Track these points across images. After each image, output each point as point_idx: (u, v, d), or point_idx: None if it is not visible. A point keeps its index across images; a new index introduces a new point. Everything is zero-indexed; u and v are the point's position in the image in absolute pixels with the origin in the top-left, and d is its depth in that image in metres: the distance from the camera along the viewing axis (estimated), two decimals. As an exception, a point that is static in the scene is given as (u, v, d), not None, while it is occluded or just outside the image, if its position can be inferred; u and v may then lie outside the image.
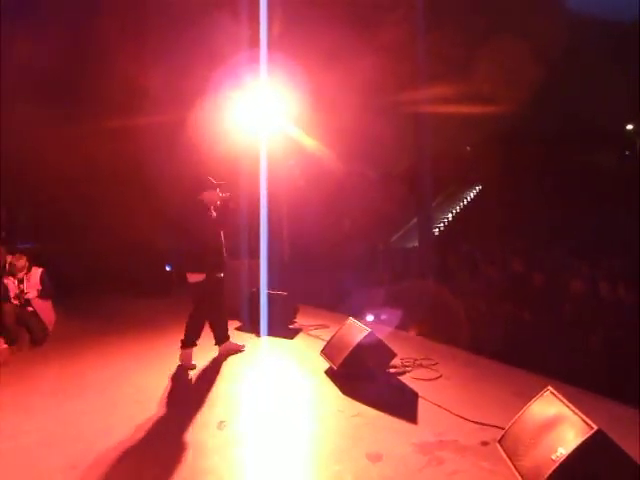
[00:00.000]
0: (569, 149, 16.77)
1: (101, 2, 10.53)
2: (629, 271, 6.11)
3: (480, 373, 4.69)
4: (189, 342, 4.98)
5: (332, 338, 4.98)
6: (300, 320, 6.70)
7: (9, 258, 6.22)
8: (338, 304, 7.27)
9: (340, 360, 4.54)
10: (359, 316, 5.56)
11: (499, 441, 3.03)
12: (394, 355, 4.55)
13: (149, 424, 3.72)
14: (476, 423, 3.50)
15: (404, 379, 4.47)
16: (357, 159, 12.64)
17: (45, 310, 6.16)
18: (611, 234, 10.96)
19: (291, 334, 6.20)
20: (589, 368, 4.48)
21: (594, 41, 15.66)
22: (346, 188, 12.46)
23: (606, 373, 4.42)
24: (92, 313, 7.79)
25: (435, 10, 10.35)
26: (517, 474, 2.73)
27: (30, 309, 6.05)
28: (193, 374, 4.79)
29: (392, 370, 4.60)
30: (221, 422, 3.68)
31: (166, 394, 4.33)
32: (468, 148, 19.76)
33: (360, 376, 4.42)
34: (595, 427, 2.49)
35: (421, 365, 4.76)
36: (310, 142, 9.74)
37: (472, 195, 20.90)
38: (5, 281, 6.04)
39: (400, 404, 3.94)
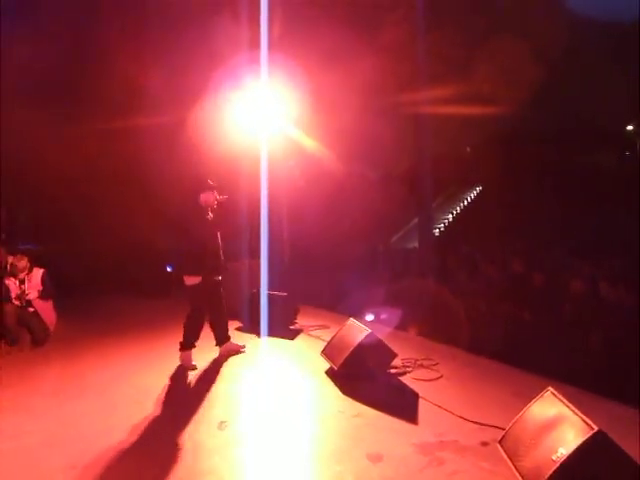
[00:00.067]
0: (569, 149, 16.77)
1: (101, 2, 10.54)
2: (629, 271, 6.12)
3: (480, 373, 4.70)
4: (188, 344, 4.98)
5: (333, 338, 4.99)
6: (300, 320, 6.70)
7: (10, 259, 6.22)
8: (338, 304, 7.27)
9: (341, 360, 4.55)
10: (359, 316, 5.56)
11: (499, 441, 3.04)
12: (395, 355, 4.56)
13: (149, 424, 3.73)
14: (476, 423, 3.51)
15: (404, 379, 4.48)
16: (357, 160, 12.65)
17: (46, 311, 6.16)
18: (611, 234, 10.97)
19: (291, 335, 6.21)
20: (589, 368, 4.48)
21: (594, 41, 15.66)
22: (346, 189, 12.46)
23: (606, 373, 4.43)
24: (92, 314, 7.80)
25: (435, 10, 10.35)
26: (517, 474, 2.74)
27: (31, 310, 6.05)
28: (193, 374, 4.79)
29: (393, 370, 4.60)
30: (222, 422, 3.68)
31: (166, 395, 4.34)
32: (468, 149, 19.76)
33: (361, 376, 4.42)
34: (595, 427, 2.50)
35: (421, 365, 4.76)
36: (310, 143, 9.74)
37: (472, 196, 20.90)
38: (6, 282, 6.05)
39: (401, 404, 3.95)
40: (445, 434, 3.39)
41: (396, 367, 4.65)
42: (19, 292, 6.05)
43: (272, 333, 6.22)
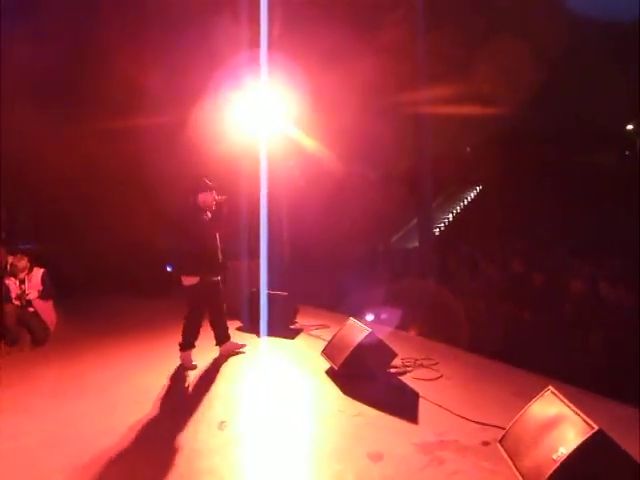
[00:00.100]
0: (569, 149, 16.77)
1: (101, 2, 10.54)
2: (629, 271, 6.12)
3: (480, 373, 4.69)
4: (187, 344, 4.98)
5: (333, 338, 4.98)
6: (300, 320, 6.70)
7: (10, 259, 6.22)
8: (338, 304, 7.27)
9: (341, 360, 4.54)
10: (359, 316, 5.56)
11: (500, 441, 3.04)
12: (395, 355, 4.56)
13: (149, 424, 3.73)
14: (477, 423, 3.51)
15: (405, 379, 4.47)
16: (357, 160, 12.65)
17: (46, 311, 6.17)
18: (611, 234, 10.98)
19: (292, 334, 6.20)
20: (589, 368, 4.48)
21: (594, 41, 15.67)
22: (346, 189, 12.46)
23: (606, 373, 4.43)
24: (92, 314, 7.80)
25: (435, 10, 10.36)
26: (518, 474, 2.74)
27: (31, 310, 6.05)
28: (193, 374, 4.79)
29: (393, 370, 4.60)
30: (222, 422, 3.68)
31: (166, 394, 4.34)
32: (468, 149, 19.77)
33: (361, 376, 4.42)
34: (596, 427, 2.49)
35: (422, 365, 4.76)
36: (310, 143, 9.74)
37: (472, 196, 20.91)
38: (6, 282, 6.05)
39: (401, 404, 3.95)
40: (445, 434, 3.39)
41: (396, 367, 4.65)
42: (19, 292, 6.05)
43: (272, 333, 6.21)
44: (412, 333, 6.20)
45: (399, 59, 9.96)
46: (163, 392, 4.37)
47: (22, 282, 6.11)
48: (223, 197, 5.02)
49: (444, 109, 10.51)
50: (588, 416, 2.60)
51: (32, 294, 6.11)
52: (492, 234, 11.90)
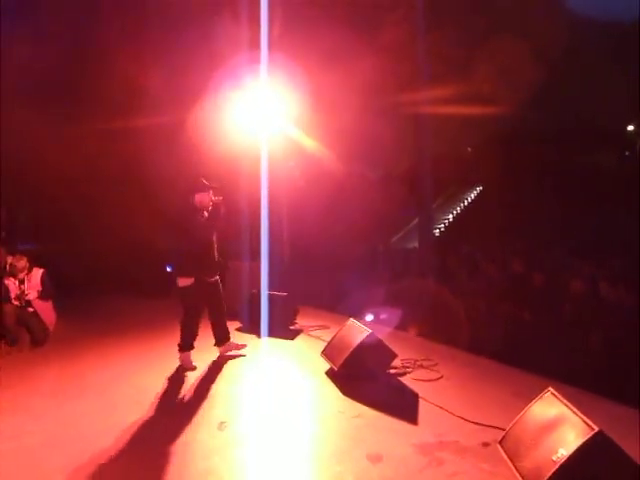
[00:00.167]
0: (569, 149, 16.78)
1: (101, 2, 10.54)
2: (629, 271, 6.12)
3: (480, 373, 4.69)
4: (186, 346, 4.96)
5: (333, 339, 4.98)
6: (300, 321, 6.70)
7: (10, 259, 6.21)
8: (338, 305, 7.27)
9: (341, 361, 4.54)
10: (359, 317, 5.56)
11: (500, 442, 3.04)
12: (395, 356, 4.56)
13: (149, 425, 3.73)
14: (476, 424, 3.51)
15: (404, 380, 4.48)
16: (357, 160, 12.66)
17: (46, 311, 6.16)
18: (611, 234, 10.98)
19: (291, 335, 6.20)
20: (589, 368, 4.49)
21: (594, 41, 15.68)
22: (346, 189, 12.46)
23: (606, 373, 4.43)
24: (92, 314, 7.79)
25: (435, 10, 10.36)
26: (518, 475, 2.73)
27: (31, 310, 6.04)
28: (193, 375, 4.79)
29: (392, 371, 4.60)
30: (222, 423, 3.68)
31: (166, 395, 4.34)
32: (469, 149, 19.78)
33: (361, 377, 4.42)
34: (596, 428, 2.49)
35: (421, 366, 4.76)
36: (310, 143, 9.73)
37: (473, 196, 20.92)
38: (6, 282, 6.04)
39: (400, 405, 3.95)
40: (445, 435, 3.39)
41: (396, 367, 4.65)
42: (18, 292, 6.04)
43: (272, 333, 6.21)
44: (412, 333, 6.20)
45: (399, 59, 9.96)
46: (163, 392, 4.37)
47: (21, 282, 6.10)
48: (219, 198, 5.00)
49: (444, 109, 10.50)
50: (588, 416, 2.60)
51: (31, 294, 6.10)
52: (492, 234, 11.90)
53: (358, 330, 4.66)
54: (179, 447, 3.33)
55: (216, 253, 5.06)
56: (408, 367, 4.71)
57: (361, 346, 4.45)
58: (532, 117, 14.83)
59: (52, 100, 9.34)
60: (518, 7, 13.73)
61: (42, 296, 6.17)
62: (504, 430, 3.08)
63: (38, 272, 6.23)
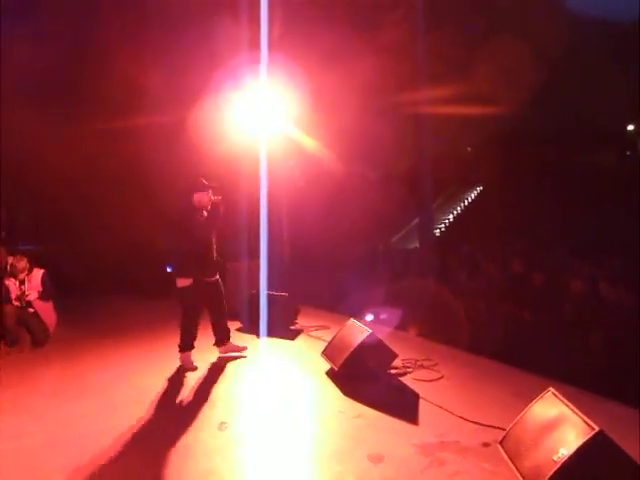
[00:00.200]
0: (569, 149, 16.79)
1: (101, 2, 10.54)
2: (629, 271, 6.12)
3: (480, 373, 4.69)
4: (186, 346, 4.96)
5: (333, 339, 4.98)
6: (301, 321, 6.70)
7: (10, 259, 6.21)
8: (338, 305, 7.27)
9: (341, 361, 4.54)
10: (359, 317, 5.55)
11: (500, 442, 3.04)
12: (395, 356, 4.55)
13: (149, 425, 3.73)
14: (477, 424, 3.51)
15: (405, 380, 4.47)
16: (357, 160, 12.66)
17: (46, 311, 6.15)
18: (611, 234, 10.99)
19: (292, 335, 6.20)
20: (589, 368, 4.48)
21: (594, 41, 15.69)
22: (346, 189, 12.46)
23: (606, 373, 4.43)
24: (92, 314, 7.79)
25: (435, 10, 10.36)
26: (518, 475, 2.73)
27: (31, 310, 6.04)
28: (193, 375, 4.78)
29: (393, 371, 4.60)
30: (222, 423, 3.68)
31: (166, 395, 4.33)
32: (469, 149, 19.79)
33: (361, 377, 4.42)
34: (596, 428, 2.50)
35: (422, 366, 4.76)
36: (310, 143, 9.73)
37: (473, 196, 20.92)
38: (6, 282, 6.04)
39: (401, 405, 3.95)
40: (446, 435, 3.39)
41: (396, 368, 4.65)
42: (19, 293, 6.04)
43: (272, 334, 6.21)
44: (412, 333, 6.20)
45: (399, 59, 9.96)
46: (163, 393, 4.36)
47: (22, 283, 6.10)
48: (219, 197, 4.99)
49: (444, 109, 10.51)
50: (588, 416, 2.60)
51: (32, 295, 6.09)
52: (492, 234, 11.90)
53: (358, 330, 4.66)
54: (180, 447, 3.32)
55: (215, 253, 5.06)
56: (408, 367, 4.71)
57: (361, 346, 4.45)
58: (532, 117, 14.84)
59: (52, 100, 9.34)
60: (518, 7, 13.74)
61: (42, 297, 6.17)
62: (504, 430, 3.08)
63: (38, 273, 6.23)
